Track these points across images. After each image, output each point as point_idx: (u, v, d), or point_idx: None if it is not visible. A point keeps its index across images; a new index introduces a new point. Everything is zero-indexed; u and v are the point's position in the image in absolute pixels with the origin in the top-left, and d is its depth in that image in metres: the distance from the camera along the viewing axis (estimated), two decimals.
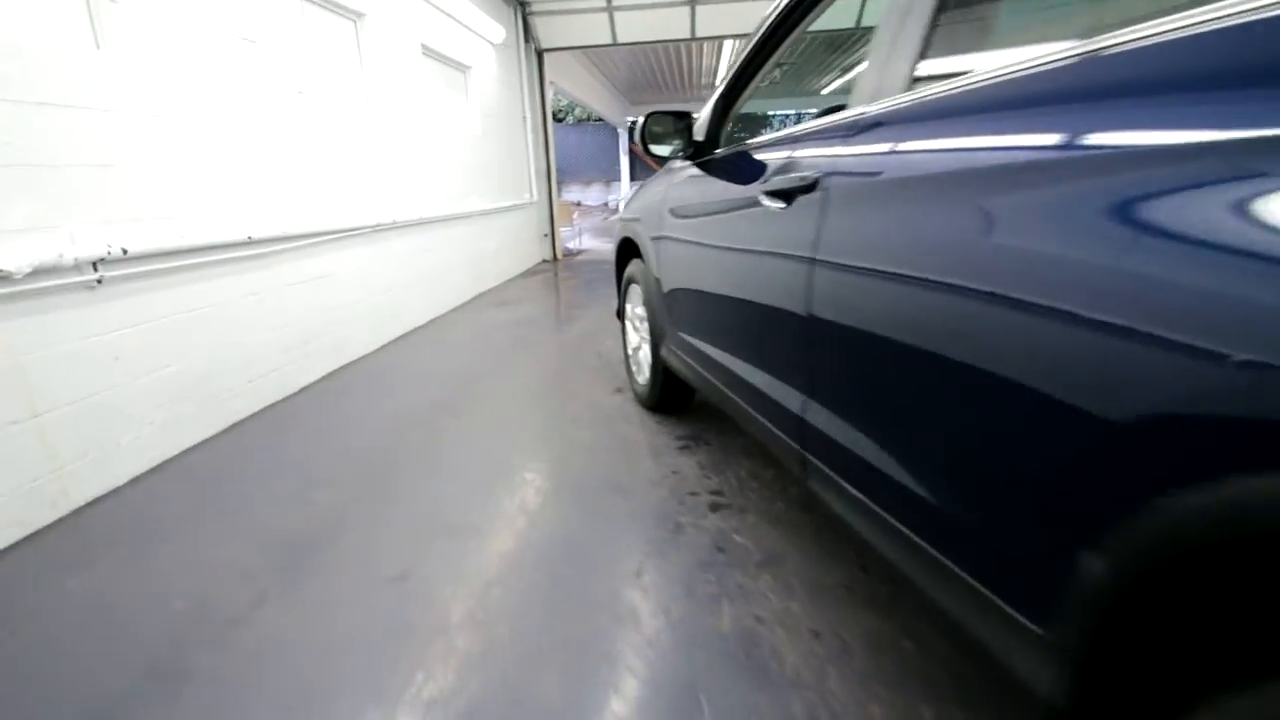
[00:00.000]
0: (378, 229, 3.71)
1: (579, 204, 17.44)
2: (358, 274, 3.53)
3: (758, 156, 1.46)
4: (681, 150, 1.81)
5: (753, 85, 1.74)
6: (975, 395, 0.77)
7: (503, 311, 4.79)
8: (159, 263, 2.24)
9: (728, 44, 9.91)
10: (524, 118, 7.01)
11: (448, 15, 4.88)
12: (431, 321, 4.45)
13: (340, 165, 3.39)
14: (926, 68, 0.96)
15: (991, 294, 0.71)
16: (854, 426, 1.05)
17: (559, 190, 7.98)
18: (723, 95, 1.76)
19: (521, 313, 4.73)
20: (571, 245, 9.13)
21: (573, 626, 1.35)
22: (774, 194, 1.27)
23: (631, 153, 18.36)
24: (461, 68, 5.40)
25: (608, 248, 9.13)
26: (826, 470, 1.13)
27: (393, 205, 3.93)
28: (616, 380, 3.00)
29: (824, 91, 14.28)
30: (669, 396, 2.42)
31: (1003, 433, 0.74)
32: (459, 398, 2.87)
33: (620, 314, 2.87)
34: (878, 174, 0.96)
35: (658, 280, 2.14)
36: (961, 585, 0.80)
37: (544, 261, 7.64)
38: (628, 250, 2.63)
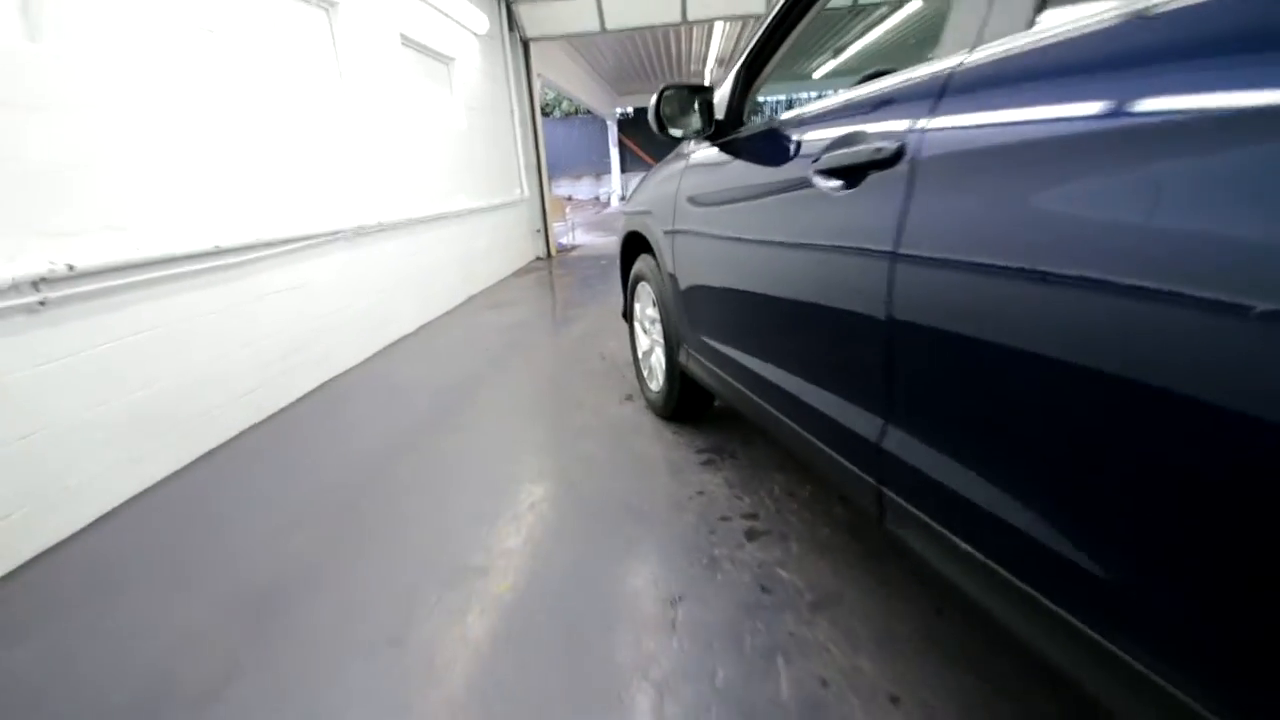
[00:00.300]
0: (360, 232, 3.47)
1: (570, 198, 17.18)
2: (339, 281, 3.28)
3: (799, 131, 1.23)
4: (700, 130, 1.58)
5: (780, 53, 1.50)
6: (1140, 423, 0.57)
7: (498, 313, 4.56)
8: (113, 279, 2.00)
9: (718, 28, 9.66)
10: (511, 111, 6.75)
11: (427, 3, 4.62)
12: (422, 328, 4.21)
13: (317, 165, 3.15)
14: None
15: (1170, 294, 0.52)
16: (956, 460, 0.83)
17: (549, 185, 7.72)
18: (746, 65, 1.52)
19: (517, 314, 4.49)
20: (565, 241, 8.88)
21: (601, 702, 1.13)
22: (830, 173, 1.04)
23: (622, 144, 18.07)
24: (444, 59, 5.14)
25: (602, 242, 8.89)
26: (914, 511, 0.91)
27: (375, 206, 3.68)
28: (625, 386, 2.77)
29: (816, 75, 14.03)
30: (687, 404, 2.20)
31: (1181, 467, 0.55)
32: (454, 411, 2.64)
33: (627, 315, 2.65)
34: (997, 141, 0.73)
35: (673, 278, 1.92)
36: (1114, 662, 0.61)
37: (538, 259, 7.39)
38: (634, 245, 2.40)
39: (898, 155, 0.88)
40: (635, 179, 19.73)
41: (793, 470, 1.90)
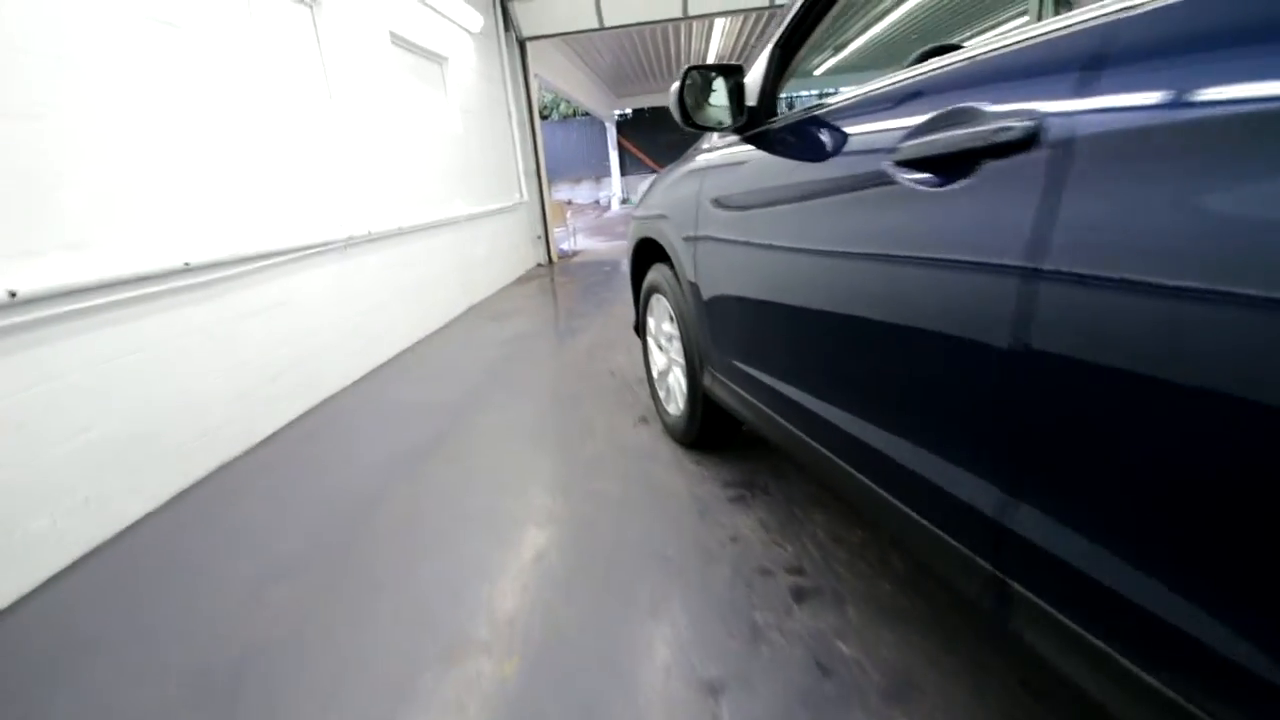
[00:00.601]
0: (349, 243, 3.24)
1: (570, 203, 16.99)
2: (326, 297, 3.06)
3: (861, 116, 1.00)
4: (730, 121, 1.34)
5: (821, 27, 1.28)
6: None
7: (498, 326, 4.33)
8: (66, 303, 1.78)
9: (718, 24, 9.44)
10: (509, 113, 6.53)
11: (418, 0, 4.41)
12: (418, 343, 3.98)
13: (302, 172, 2.92)
14: None
15: None
16: (1124, 553, 0.60)
17: (549, 189, 7.50)
18: (781, 44, 1.29)
19: (519, 326, 4.26)
20: (566, 246, 8.66)
21: None
22: (917, 164, 0.81)
23: (621, 147, 17.85)
24: (437, 59, 4.92)
25: (604, 247, 8.66)
26: (1060, 617, 0.68)
27: (365, 215, 3.45)
28: (638, 406, 2.54)
29: (816, 72, 13.78)
30: (711, 430, 1.96)
31: None
32: (452, 439, 2.41)
33: (639, 329, 2.41)
34: (1195, 116, 0.51)
35: (695, 291, 1.68)
36: None
37: (539, 266, 7.17)
38: (647, 253, 2.17)
39: (1031, 138, 0.64)
40: (636, 182, 19.43)
41: (834, 508, 1.67)
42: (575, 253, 8.22)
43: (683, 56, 11.50)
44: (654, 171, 18.57)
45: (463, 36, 5.33)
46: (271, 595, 1.53)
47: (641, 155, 18.81)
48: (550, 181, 7.75)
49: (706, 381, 1.74)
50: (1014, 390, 0.69)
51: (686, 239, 1.70)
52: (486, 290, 5.45)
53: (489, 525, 1.76)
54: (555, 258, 7.48)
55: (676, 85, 1.31)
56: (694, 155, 1.77)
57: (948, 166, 0.76)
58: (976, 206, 0.72)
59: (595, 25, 6.53)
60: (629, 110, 18.16)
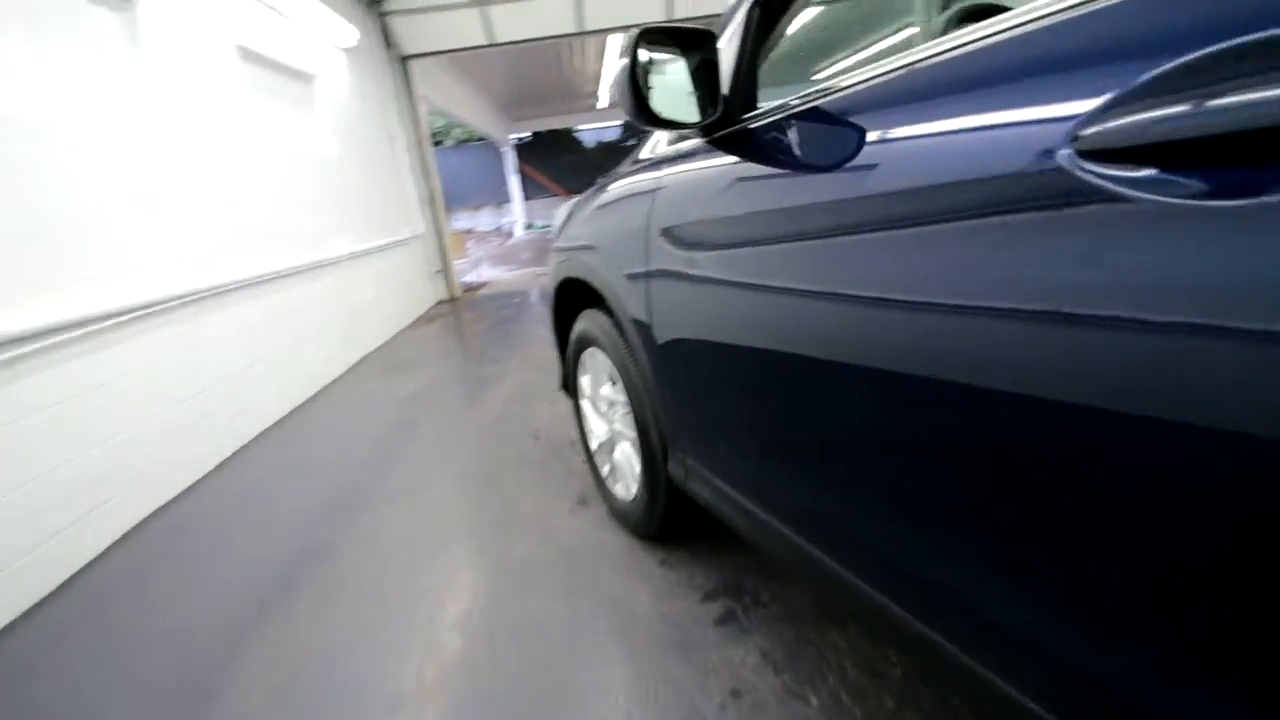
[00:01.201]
0: (186, 301, 2.56)
1: (471, 231, 16.24)
2: (157, 372, 2.37)
3: (963, 93, 0.61)
4: (701, 115, 0.93)
5: None
6: None
7: (393, 381, 3.70)
8: None
9: (611, 44, 9.20)
10: (394, 137, 5.90)
11: (275, 10, 3.77)
12: (294, 412, 3.30)
13: (117, 217, 2.25)
14: None
15: None
16: None
17: (447, 219, 6.88)
18: (758, 17, 0.91)
19: (419, 379, 3.66)
20: (470, 279, 8.03)
21: None
22: (1152, 155, 0.42)
23: (522, 172, 17.28)
24: (303, 77, 4.26)
25: (511, 276, 8.10)
26: None
27: (213, 264, 2.79)
28: (573, 480, 2.06)
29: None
30: (677, 519, 1.52)
31: None
32: (331, 548, 1.83)
33: (568, 387, 1.95)
34: None
35: (651, 345, 1.25)
36: None
37: (440, 303, 6.51)
38: (572, 295, 1.72)
39: None
40: (540, 207, 18.92)
41: (851, 627, 1.27)
42: (481, 285, 7.61)
43: (581, 77, 11.21)
44: (557, 196, 18.10)
45: (333, 53, 4.70)
46: None
47: (544, 179, 18.35)
48: (449, 210, 7.13)
49: (676, 471, 1.30)
50: None
51: (631, 277, 1.27)
52: (379, 337, 4.77)
53: (379, 690, 1.23)
54: (459, 292, 6.85)
55: (625, 63, 0.88)
56: (633, 170, 1.35)
57: (1242, 156, 0.37)
58: None
59: (484, 41, 6.06)
60: (528, 133, 17.69)
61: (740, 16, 0.93)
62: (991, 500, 0.59)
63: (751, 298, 0.88)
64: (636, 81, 0.87)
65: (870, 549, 0.79)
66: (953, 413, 0.60)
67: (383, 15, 5.67)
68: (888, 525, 0.74)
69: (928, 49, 0.65)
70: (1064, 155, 0.46)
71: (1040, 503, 0.55)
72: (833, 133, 0.77)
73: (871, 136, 0.69)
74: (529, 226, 16.78)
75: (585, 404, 1.83)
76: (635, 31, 0.86)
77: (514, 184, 17.00)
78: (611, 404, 1.62)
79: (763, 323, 0.88)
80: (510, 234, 16.58)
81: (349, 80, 4.96)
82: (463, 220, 17.13)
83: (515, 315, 5.31)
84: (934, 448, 0.64)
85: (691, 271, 1.05)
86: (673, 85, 0.91)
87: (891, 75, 0.69)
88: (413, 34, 5.95)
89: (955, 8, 0.97)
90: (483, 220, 17.74)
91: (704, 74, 0.91)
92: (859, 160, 0.69)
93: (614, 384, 1.55)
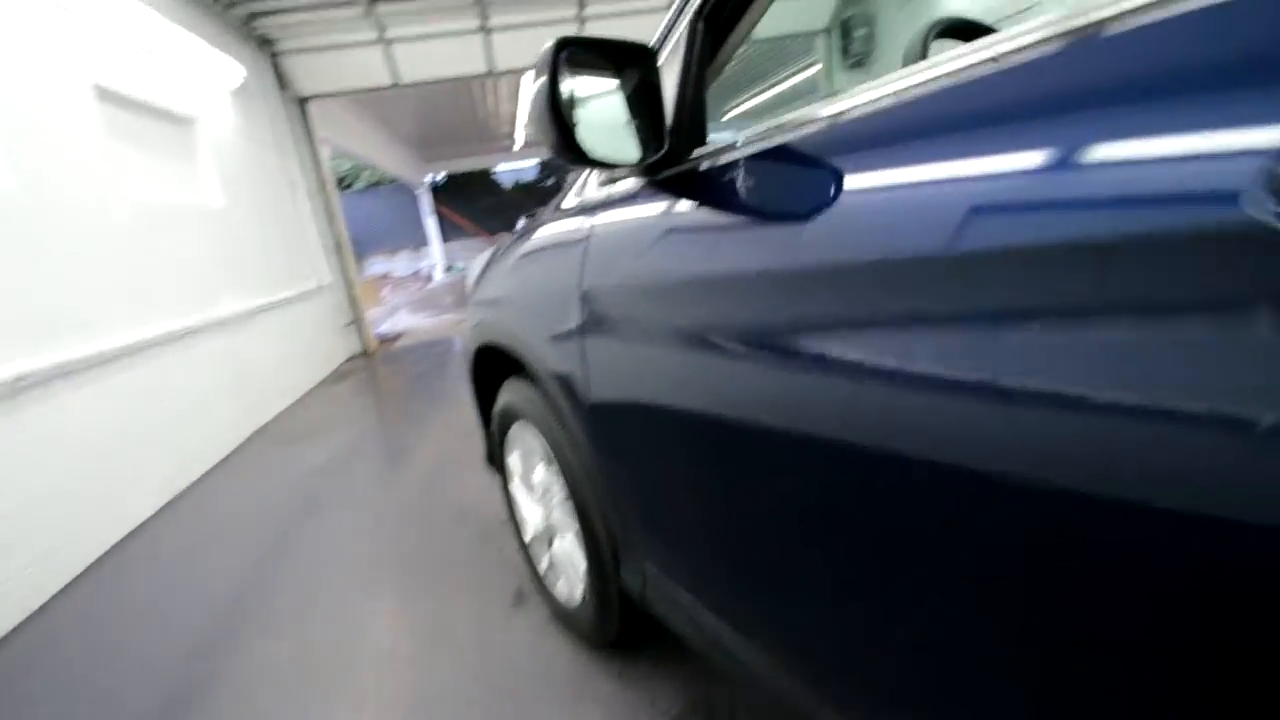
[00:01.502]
0: (22, 385, 2.12)
1: (387, 276, 15.56)
2: None
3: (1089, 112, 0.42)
4: (642, 152, 0.72)
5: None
6: None
7: (296, 453, 3.27)
8: None
9: (525, 82, 9.09)
10: (294, 183, 5.47)
11: (140, 46, 3.37)
12: (174, 501, 2.83)
13: None
14: None
15: None
16: None
17: (358, 267, 6.44)
18: (706, 13, 0.72)
19: (326, 450, 3.25)
20: (386, 329, 7.55)
21: None
22: None
23: (439, 214, 16.78)
24: (180, 121, 3.84)
25: (430, 324, 7.68)
26: None
27: (62, 335, 2.35)
28: (507, 571, 1.78)
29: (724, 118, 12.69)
30: (635, 625, 1.27)
31: None
32: (215, 681, 1.46)
33: (494, 462, 1.69)
34: None
35: (593, 425, 1.02)
36: None
37: (352, 358, 6.03)
38: (491, 363, 1.48)
39: None
40: (460, 249, 18.41)
41: None
42: (398, 335, 7.15)
43: (494, 117, 11.03)
44: (477, 237, 17.62)
45: (216, 93, 4.29)
46: None
47: (461, 221, 17.95)
48: (362, 256, 6.70)
49: (631, 581, 1.06)
50: None
51: (561, 342, 1.04)
52: (280, 403, 4.29)
53: None
54: (374, 345, 6.39)
55: (543, 83, 0.66)
56: (558, 215, 1.13)
57: None
58: None
59: (389, 82, 5.77)
60: (443, 175, 17.29)
61: (682, 32, 0.75)
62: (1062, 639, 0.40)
63: (713, 369, 0.68)
64: (558, 107, 0.66)
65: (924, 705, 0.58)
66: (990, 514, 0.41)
67: (275, 55, 5.30)
68: (941, 673, 0.54)
69: (918, 71, 0.47)
70: (1249, 197, 0.28)
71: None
72: (815, 177, 0.58)
73: (867, 182, 0.51)
74: (449, 269, 16.27)
75: (516, 485, 1.57)
76: (553, 41, 0.65)
77: (431, 226, 16.49)
78: (547, 489, 1.37)
79: (733, 399, 0.67)
80: (430, 277, 16.02)
81: (238, 124, 4.55)
82: (379, 265, 16.41)
83: (436, 369, 4.94)
84: (981, 566, 0.45)
85: (636, 339, 0.84)
86: (604, 113, 0.71)
87: (882, 104, 0.51)
88: (310, 74, 5.60)
89: (931, 24, 0.82)
90: (400, 265, 17.07)
91: (642, 99, 0.71)
92: (850, 213, 0.51)
93: (549, 466, 1.31)
